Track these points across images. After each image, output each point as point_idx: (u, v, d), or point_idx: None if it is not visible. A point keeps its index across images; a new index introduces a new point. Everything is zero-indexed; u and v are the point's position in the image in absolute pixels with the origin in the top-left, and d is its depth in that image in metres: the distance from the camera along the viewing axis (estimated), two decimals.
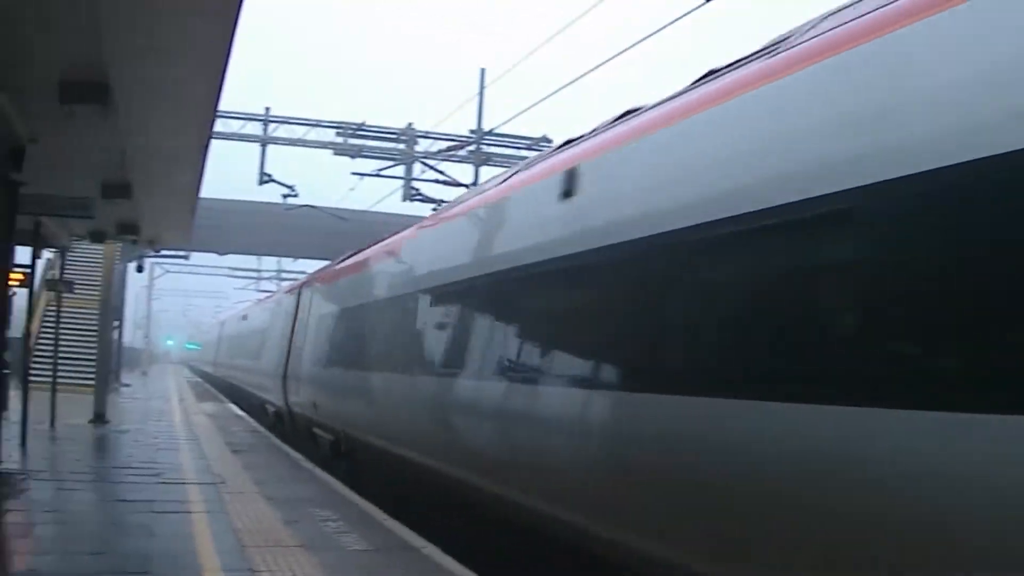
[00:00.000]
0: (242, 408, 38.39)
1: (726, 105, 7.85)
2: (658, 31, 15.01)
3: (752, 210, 6.88)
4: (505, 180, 13.42)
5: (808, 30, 7.58)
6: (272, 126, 39.97)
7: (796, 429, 6.26)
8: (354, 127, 39.37)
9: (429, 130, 38.96)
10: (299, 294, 28.38)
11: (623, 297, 8.82)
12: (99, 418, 25.49)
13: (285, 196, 37.96)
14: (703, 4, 13.92)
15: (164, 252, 49.18)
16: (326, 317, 23.25)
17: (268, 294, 53.03)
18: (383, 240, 19.50)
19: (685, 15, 14.32)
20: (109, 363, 31.73)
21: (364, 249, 21.51)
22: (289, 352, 27.01)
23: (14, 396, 22.69)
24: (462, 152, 37.94)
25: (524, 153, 37.14)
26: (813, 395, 6.19)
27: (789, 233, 6.63)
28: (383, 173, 35.10)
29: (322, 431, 22.05)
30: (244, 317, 50.20)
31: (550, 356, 10.21)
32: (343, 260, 24.06)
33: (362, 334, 19.12)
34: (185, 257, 65.24)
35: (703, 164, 7.93)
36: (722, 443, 6.98)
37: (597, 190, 9.58)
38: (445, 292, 13.81)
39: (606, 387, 8.83)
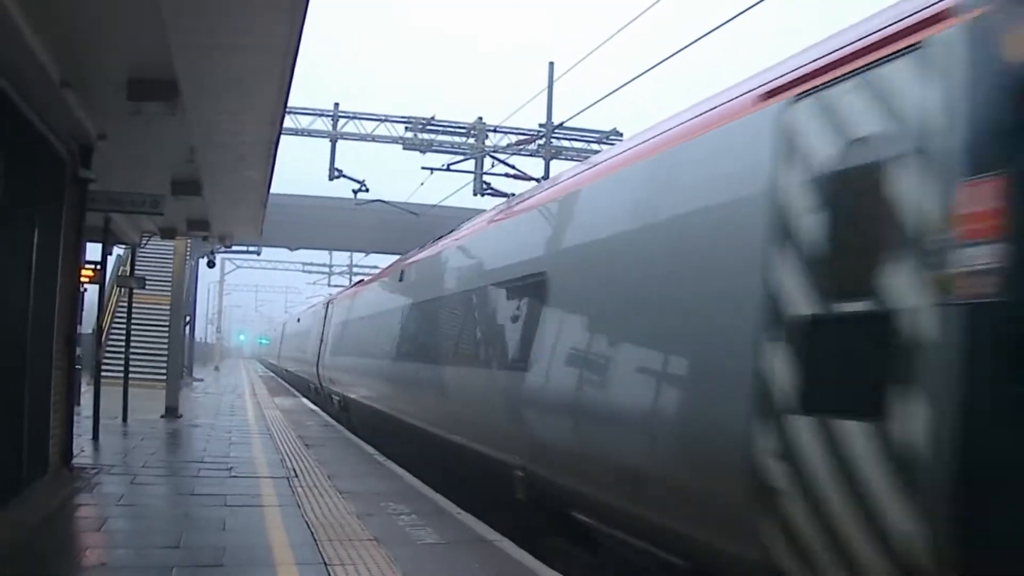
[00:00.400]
0: (293, 386, 52.08)
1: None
2: (730, 20, 14.77)
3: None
4: (382, 271, 30.85)
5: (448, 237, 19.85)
6: (341, 122, 40.02)
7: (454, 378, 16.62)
8: (424, 122, 39.35)
9: (499, 124, 38.81)
10: (326, 307, 42.55)
11: (416, 327, 20.93)
12: (171, 412, 25.73)
13: (355, 191, 37.89)
14: None
15: (235, 247, 49.40)
16: (336, 324, 36.76)
17: (313, 305, 63.35)
18: (362, 281, 35.17)
19: (754, 5, 14.09)
20: (180, 358, 31.95)
21: (355, 285, 38.33)
22: (320, 347, 40.03)
23: (86, 391, 22.93)
24: (532, 146, 37.79)
25: (594, 147, 37.02)
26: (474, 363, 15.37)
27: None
28: (453, 167, 35.01)
29: (335, 395, 34.41)
30: (298, 320, 65.62)
31: (406, 348, 21.44)
32: (346, 289, 42.27)
33: (349, 337, 32.66)
34: (256, 252, 65.60)
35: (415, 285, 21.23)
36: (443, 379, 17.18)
37: (406, 280, 23.02)
38: (374, 320, 27.01)
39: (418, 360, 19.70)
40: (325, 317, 40.57)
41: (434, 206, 40.21)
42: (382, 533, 11.36)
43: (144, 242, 28.46)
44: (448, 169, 34.71)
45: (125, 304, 27.63)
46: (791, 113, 7.48)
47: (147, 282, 28.64)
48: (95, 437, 19.12)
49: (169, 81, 11.50)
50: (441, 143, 39.23)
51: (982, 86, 5.91)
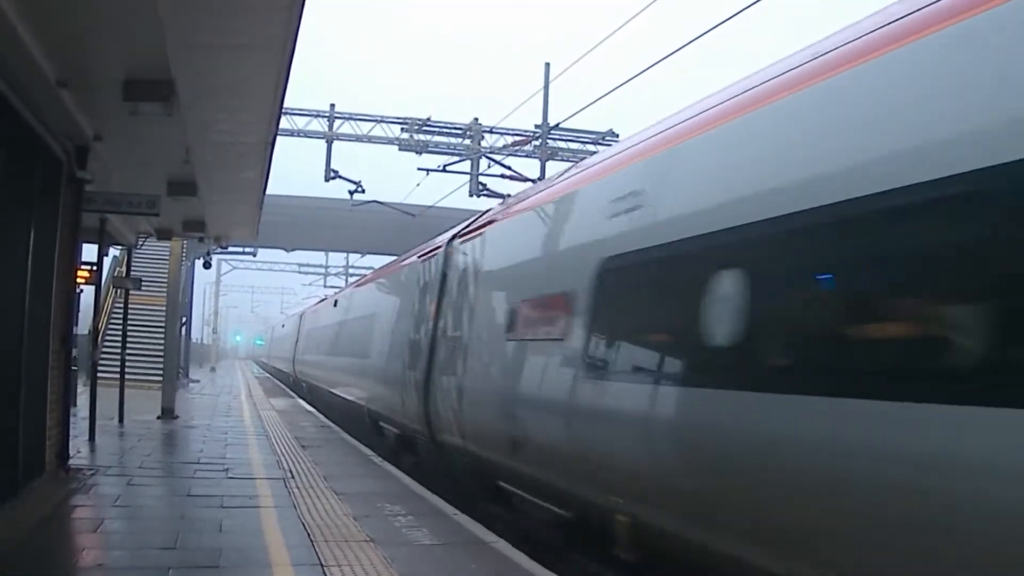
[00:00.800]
0: (280, 381, 66.47)
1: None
2: (724, 22, 14.76)
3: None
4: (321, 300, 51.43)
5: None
6: (337, 123, 40.02)
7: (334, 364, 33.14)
8: (420, 123, 39.36)
9: (495, 125, 38.79)
10: (300, 317, 57.93)
11: (332, 336, 35.93)
12: (167, 414, 25.70)
13: (351, 192, 37.86)
14: None
15: (231, 248, 49.44)
16: (304, 332, 50.90)
17: (290, 314, 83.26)
18: (318, 302, 52.07)
19: (752, 4, 14.08)
20: (176, 359, 31.95)
21: (319, 303, 51.54)
22: (295, 347, 53.81)
23: (82, 392, 22.91)
24: (528, 147, 37.80)
25: (590, 148, 37.00)
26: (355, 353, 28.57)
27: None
28: (449, 168, 35.02)
29: (303, 382, 47.91)
30: (282, 326, 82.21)
31: (327, 348, 36.88)
32: (313, 305, 56.25)
33: (308, 341, 46.24)
34: (252, 253, 65.62)
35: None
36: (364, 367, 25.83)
37: (336, 308, 37.15)
38: (319, 330, 41.84)
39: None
40: (299, 326, 55.83)
41: (430, 207, 40.10)
42: (378, 534, 11.35)
43: (140, 243, 28.47)
44: (444, 170, 34.74)
45: (121, 305, 27.61)
46: (421, 265, 19.99)
47: (143, 283, 28.66)
48: (91, 438, 19.07)
49: (165, 81, 11.47)
50: (437, 144, 39.24)
51: (441, 270, 17.97)
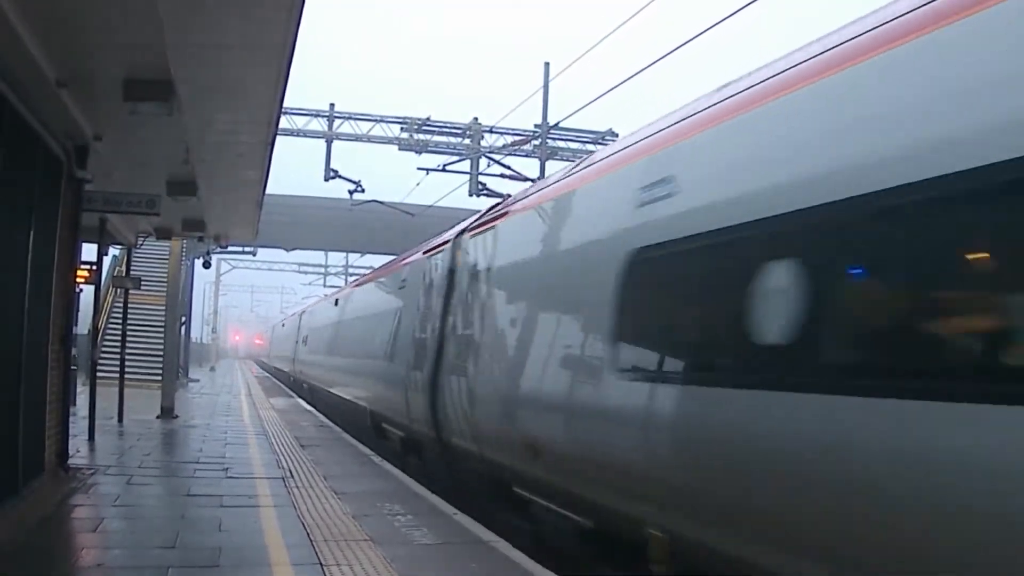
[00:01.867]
0: (265, 369, 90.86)
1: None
2: (723, 21, 14.73)
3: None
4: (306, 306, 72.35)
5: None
6: (337, 122, 40.00)
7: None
8: (420, 122, 39.34)
9: (495, 124, 38.74)
10: (272, 328, 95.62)
11: (288, 341, 62.30)
12: (167, 413, 25.71)
13: (351, 192, 37.83)
14: None
15: (231, 248, 49.38)
16: (275, 337, 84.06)
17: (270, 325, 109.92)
18: (288, 316, 79.73)
19: (749, 4, 14.05)
20: (176, 358, 31.91)
21: (293, 314, 71.60)
22: (269, 347, 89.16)
23: (82, 391, 22.90)
24: (528, 147, 37.77)
25: (589, 147, 36.98)
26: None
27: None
28: (449, 168, 34.97)
29: (290, 373, 56.73)
30: (272, 329, 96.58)
31: (288, 347, 61.00)
32: (283, 319, 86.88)
33: (276, 343, 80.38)
34: (252, 253, 65.53)
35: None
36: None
37: (287, 325, 70.17)
38: (280, 338, 73.33)
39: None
40: (272, 333, 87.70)
41: (429, 207, 40.04)
42: (378, 533, 11.33)
43: (140, 242, 28.45)
44: (444, 170, 34.71)
45: (121, 304, 27.61)
46: (300, 316, 55.90)
47: (143, 282, 28.63)
48: (91, 437, 19.08)
49: (165, 81, 11.46)
50: (437, 144, 39.23)
51: (298, 319, 57.19)
